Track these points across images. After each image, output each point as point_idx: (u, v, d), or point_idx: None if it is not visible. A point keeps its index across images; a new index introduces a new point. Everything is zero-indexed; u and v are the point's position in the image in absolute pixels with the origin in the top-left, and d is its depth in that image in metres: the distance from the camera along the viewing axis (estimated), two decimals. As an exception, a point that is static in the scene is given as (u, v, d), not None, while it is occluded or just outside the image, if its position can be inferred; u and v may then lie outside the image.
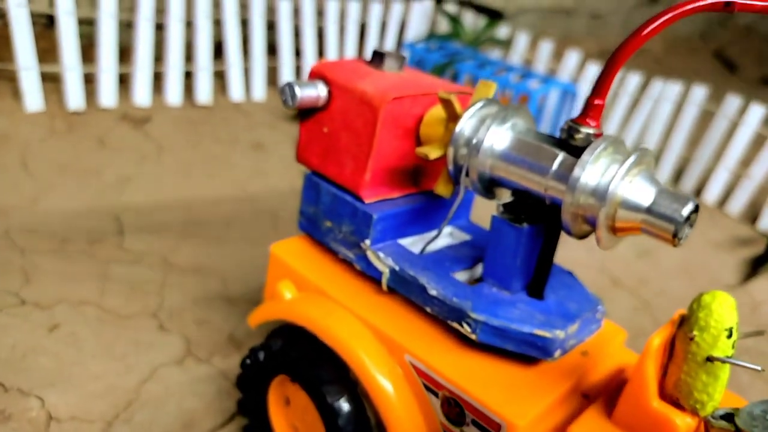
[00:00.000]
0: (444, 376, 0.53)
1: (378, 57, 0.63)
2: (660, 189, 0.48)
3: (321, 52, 1.80)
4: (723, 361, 0.45)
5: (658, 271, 1.21)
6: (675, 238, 0.47)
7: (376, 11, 1.83)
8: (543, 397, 0.52)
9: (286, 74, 1.70)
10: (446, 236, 0.66)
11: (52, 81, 1.40)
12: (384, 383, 0.55)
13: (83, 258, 0.93)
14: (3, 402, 0.67)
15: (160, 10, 1.50)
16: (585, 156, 0.48)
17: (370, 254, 0.60)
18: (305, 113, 0.64)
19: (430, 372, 0.54)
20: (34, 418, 0.67)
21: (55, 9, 1.32)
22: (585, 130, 0.51)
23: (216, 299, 0.91)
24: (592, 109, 0.51)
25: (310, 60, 1.74)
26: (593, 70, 1.71)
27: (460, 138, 0.55)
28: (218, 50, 1.63)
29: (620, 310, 1.07)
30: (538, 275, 0.57)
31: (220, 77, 1.65)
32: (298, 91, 0.59)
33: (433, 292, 0.56)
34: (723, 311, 0.45)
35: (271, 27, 1.69)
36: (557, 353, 0.53)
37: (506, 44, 1.83)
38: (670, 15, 0.47)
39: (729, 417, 0.47)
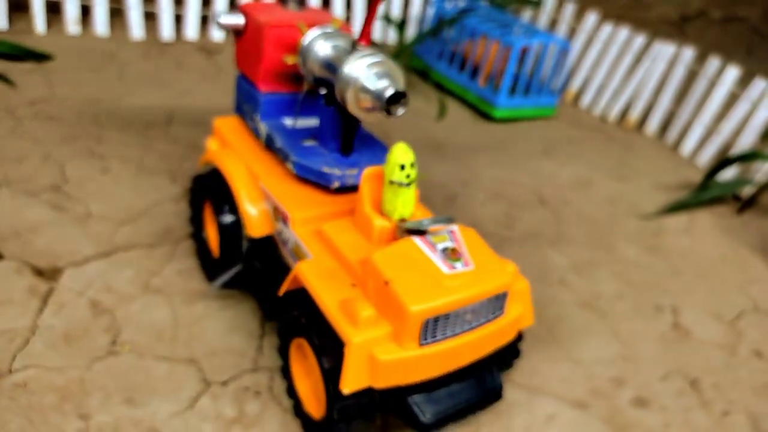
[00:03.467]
0: (272, 194, 0.88)
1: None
2: (388, 83, 0.79)
3: None
4: (399, 185, 0.77)
5: (585, 198, 1.45)
6: (386, 111, 0.78)
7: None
8: (320, 208, 0.86)
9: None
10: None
11: (151, 19, 1.88)
12: (246, 200, 0.92)
13: (138, 135, 1.38)
14: (64, 203, 1.13)
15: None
16: (349, 58, 0.81)
17: (258, 123, 0.96)
18: (237, 34, 1.00)
19: (268, 192, 0.90)
20: (80, 213, 1.12)
21: (157, -36, 1.78)
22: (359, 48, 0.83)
23: (215, 170, 1.32)
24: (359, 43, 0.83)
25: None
26: (607, 30, 1.88)
27: (303, 50, 0.89)
28: None
29: (533, 219, 1.33)
30: (344, 140, 0.90)
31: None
32: (222, 19, 0.96)
33: (278, 145, 0.91)
34: (399, 153, 0.76)
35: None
36: (335, 184, 0.86)
37: (536, 5, 2.04)
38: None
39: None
